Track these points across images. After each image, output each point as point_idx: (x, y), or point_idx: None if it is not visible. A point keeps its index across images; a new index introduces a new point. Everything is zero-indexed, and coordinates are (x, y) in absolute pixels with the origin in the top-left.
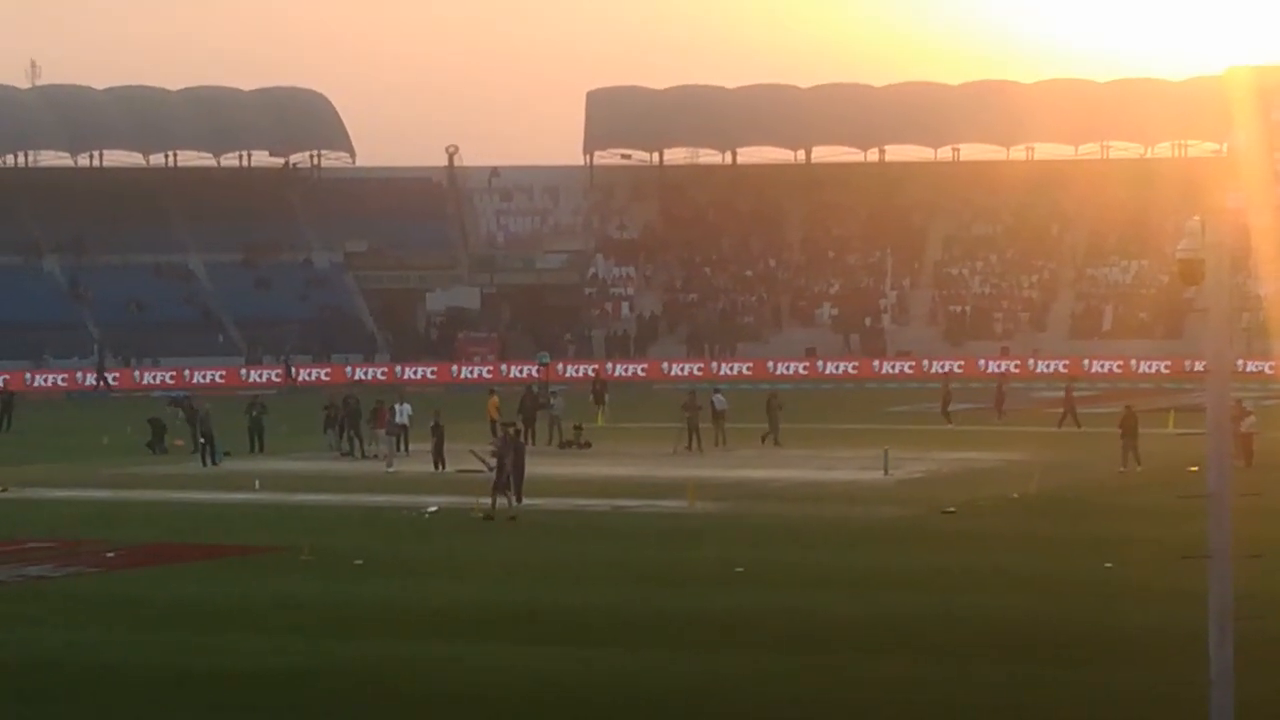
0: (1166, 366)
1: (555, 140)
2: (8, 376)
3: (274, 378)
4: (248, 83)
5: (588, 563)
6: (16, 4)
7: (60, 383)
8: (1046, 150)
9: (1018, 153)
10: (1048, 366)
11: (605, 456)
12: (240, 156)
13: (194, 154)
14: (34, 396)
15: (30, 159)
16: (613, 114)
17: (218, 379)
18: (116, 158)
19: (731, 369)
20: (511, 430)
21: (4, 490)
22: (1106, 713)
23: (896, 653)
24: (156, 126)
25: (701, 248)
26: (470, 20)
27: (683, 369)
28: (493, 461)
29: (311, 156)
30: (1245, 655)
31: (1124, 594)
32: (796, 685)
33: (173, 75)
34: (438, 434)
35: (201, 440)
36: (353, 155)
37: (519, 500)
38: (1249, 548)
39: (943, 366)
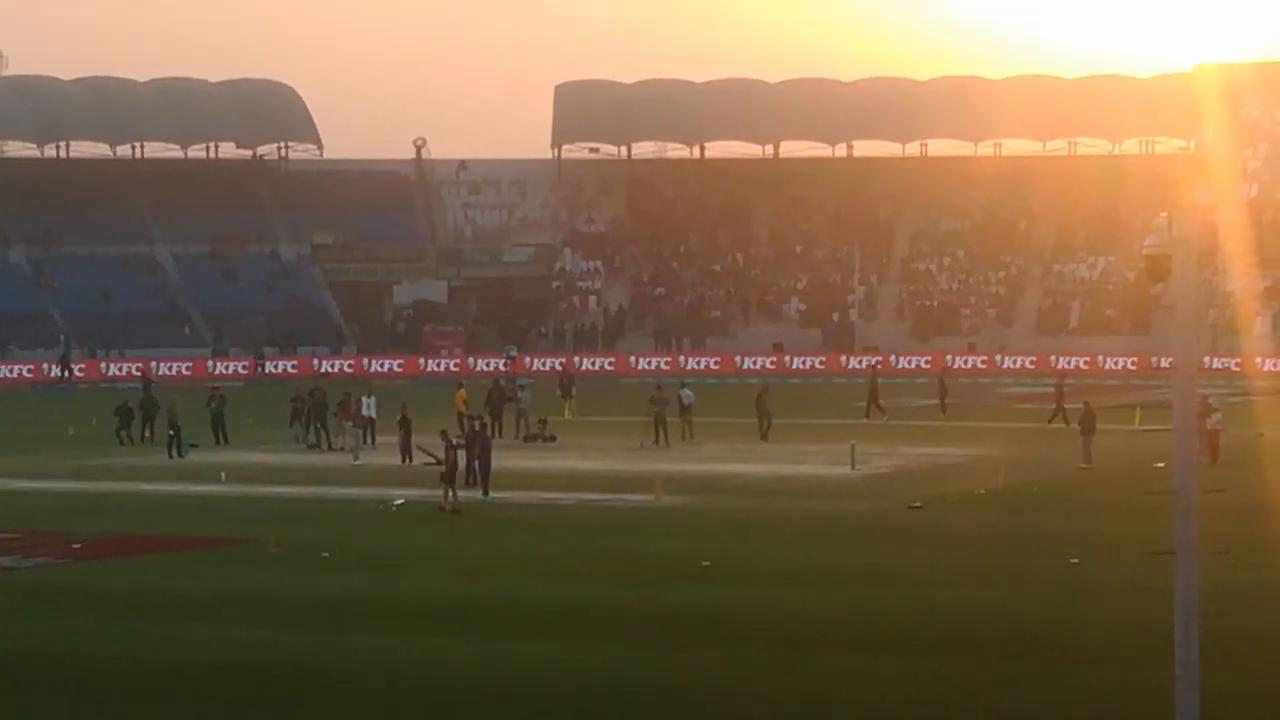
0: (1134, 363)
1: (523, 133)
2: None
3: (240, 369)
4: (215, 74)
5: (555, 557)
6: None
7: (26, 374)
8: (1014, 146)
9: (986, 149)
10: (1015, 363)
11: (572, 450)
12: (208, 148)
13: (161, 145)
14: None
15: None
16: (581, 107)
17: (184, 371)
18: (83, 149)
19: (699, 363)
20: (478, 423)
21: None
22: (1073, 708)
23: (865, 648)
24: (124, 117)
25: (669, 242)
26: (438, 13)
27: (650, 363)
28: (440, 454)
29: (279, 148)
30: (1210, 651)
31: (1090, 590)
32: (764, 679)
33: (140, 66)
34: (405, 427)
35: (171, 433)
36: (320, 147)
37: (486, 494)
38: (1215, 544)
39: (910, 362)
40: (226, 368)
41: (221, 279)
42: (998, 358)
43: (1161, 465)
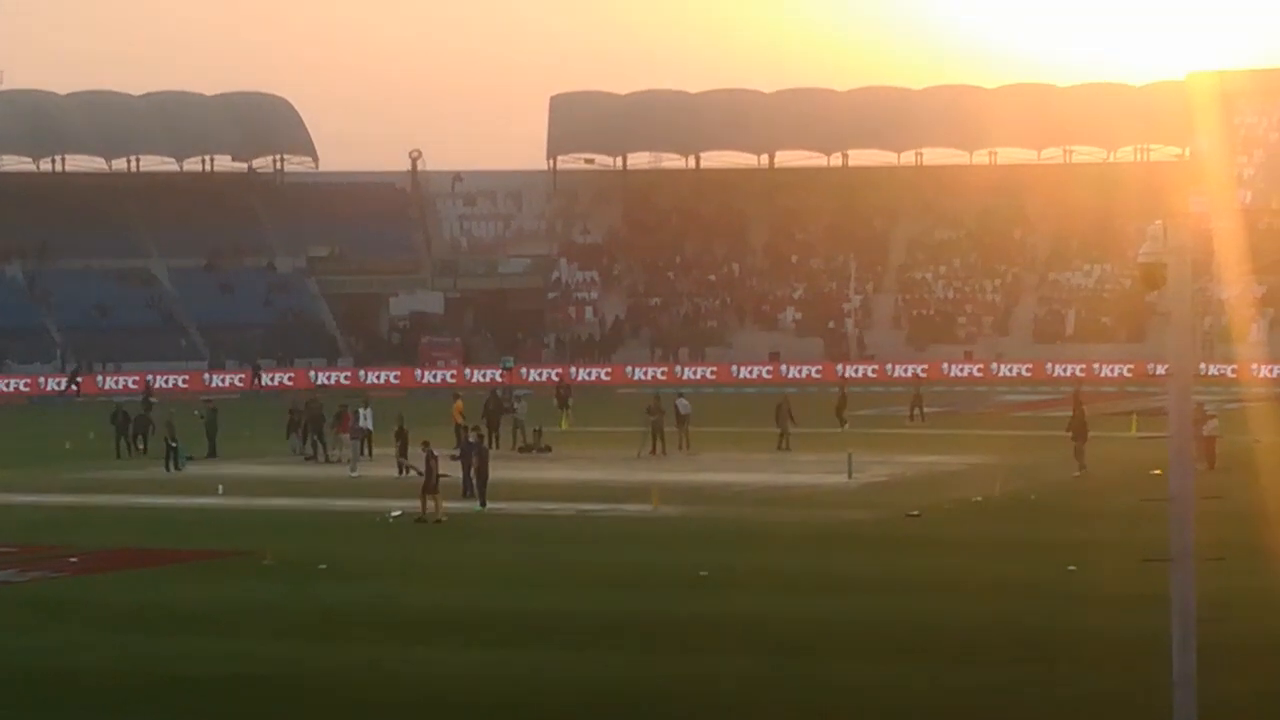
0: (1129, 370)
1: (518, 145)
2: None
3: (237, 382)
4: (210, 88)
5: (553, 567)
6: None
7: (23, 388)
8: (1009, 155)
9: (980, 157)
10: (1011, 370)
11: (569, 461)
12: (203, 161)
13: (157, 159)
14: None
15: None
16: (576, 118)
17: (181, 384)
18: (79, 163)
19: (695, 373)
20: (475, 434)
21: None
22: (1071, 715)
23: (863, 657)
24: (119, 131)
25: (665, 252)
26: (433, 25)
27: (646, 373)
28: (421, 467)
29: (274, 161)
30: (1207, 658)
31: (1088, 597)
32: (762, 689)
33: (135, 80)
34: (402, 439)
35: (173, 444)
36: (316, 160)
37: (483, 505)
38: (1211, 551)
39: (906, 370)
40: (223, 380)
41: (218, 292)
42: (994, 365)
43: (1158, 472)
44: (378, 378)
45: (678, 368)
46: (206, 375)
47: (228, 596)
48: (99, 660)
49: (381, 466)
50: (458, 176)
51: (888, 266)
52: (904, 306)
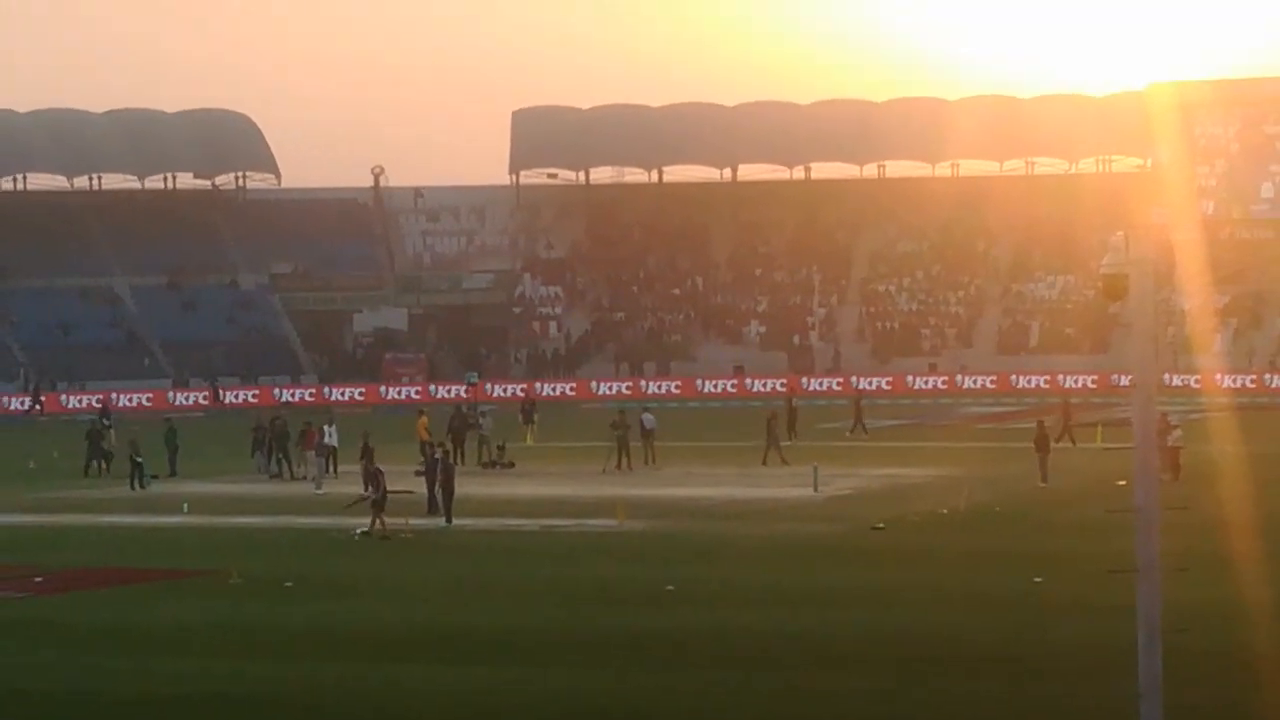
0: (1093, 381)
1: (481, 160)
2: None
3: (201, 400)
4: (172, 105)
5: (519, 582)
6: None
7: None
8: (971, 166)
9: (943, 169)
10: (975, 382)
11: (535, 476)
12: (165, 179)
13: (118, 176)
14: None
15: None
16: (538, 133)
17: (145, 402)
18: (40, 181)
19: (660, 387)
20: (440, 451)
21: None
22: None
23: (830, 669)
24: (80, 149)
25: (629, 266)
26: (394, 40)
27: (611, 388)
28: (369, 490)
29: (237, 178)
30: (1173, 668)
31: (1054, 608)
32: (729, 702)
33: (96, 97)
34: (367, 455)
35: (138, 459)
36: (278, 176)
37: (449, 521)
38: (1177, 561)
39: (870, 383)
40: (187, 398)
41: (181, 310)
42: (958, 378)
43: (1123, 483)
44: (342, 394)
45: (643, 382)
46: (171, 393)
47: (194, 615)
48: (66, 680)
49: (347, 484)
50: (420, 192)
51: (851, 279)
52: (868, 319)
